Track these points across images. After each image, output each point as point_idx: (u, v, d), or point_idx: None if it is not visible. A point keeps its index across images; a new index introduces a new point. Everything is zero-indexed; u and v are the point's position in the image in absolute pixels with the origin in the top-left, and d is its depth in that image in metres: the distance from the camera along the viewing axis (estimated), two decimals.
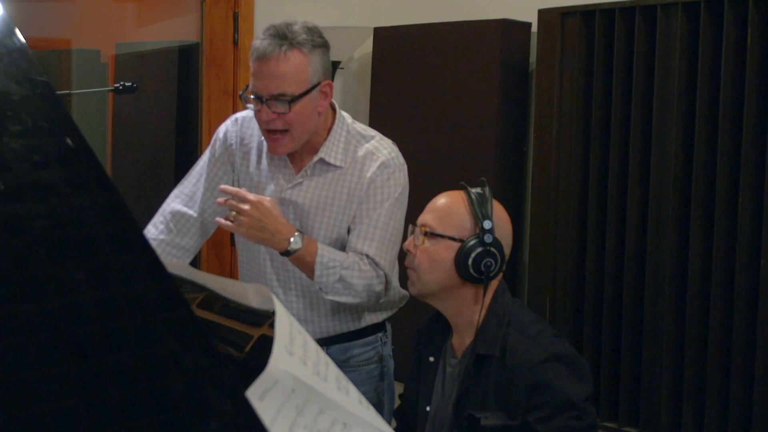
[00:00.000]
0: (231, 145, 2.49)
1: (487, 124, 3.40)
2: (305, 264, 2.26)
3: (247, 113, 2.50)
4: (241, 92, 2.36)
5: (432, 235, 2.10)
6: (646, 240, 2.99)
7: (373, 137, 2.44)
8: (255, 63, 2.27)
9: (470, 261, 2.05)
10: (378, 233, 2.35)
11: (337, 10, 4.07)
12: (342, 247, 2.39)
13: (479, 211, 2.07)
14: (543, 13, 3.26)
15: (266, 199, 2.24)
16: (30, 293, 0.72)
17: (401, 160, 2.44)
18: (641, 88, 2.99)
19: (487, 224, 2.06)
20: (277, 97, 2.25)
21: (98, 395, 0.71)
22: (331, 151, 2.38)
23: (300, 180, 2.39)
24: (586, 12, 3.14)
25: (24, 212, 0.74)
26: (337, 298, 2.34)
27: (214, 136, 2.55)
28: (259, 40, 2.27)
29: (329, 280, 2.28)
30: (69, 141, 0.78)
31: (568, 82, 3.19)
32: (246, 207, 2.20)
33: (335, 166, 2.38)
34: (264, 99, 2.26)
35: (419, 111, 3.60)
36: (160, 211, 2.54)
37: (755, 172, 2.72)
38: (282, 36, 2.24)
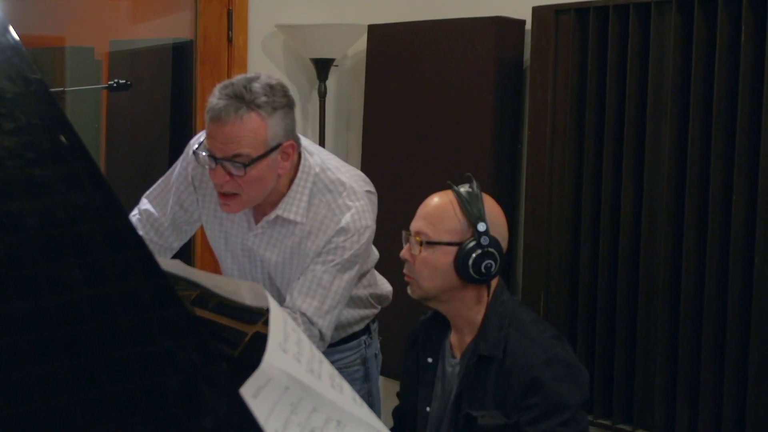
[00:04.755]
0: (197, 168, 2.36)
1: (481, 121, 3.40)
2: None
3: None
4: (195, 147, 2.20)
5: (428, 243, 2.10)
6: (640, 237, 2.99)
7: (340, 192, 2.27)
8: (210, 123, 2.12)
9: (470, 264, 2.05)
10: (320, 291, 2.22)
11: (331, 7, 4.07)
12: None
13: (472, 213, 2.07)
14: (537, 11, 3.26)
15: None
16: (24, 291, 0.72)
17: (365, 221, 2.26)
18: (635, 85, 2.99)
19: (481, 226, 2.05)
20: (232, 159, 2.12)
21: (92, 392, 0.71)
22: (291, 207, 2.25)
23: (260, 231, 2.30)
24: (580, 9, 3.14)
25: (18, 210, 0.74)
26: None
27: (186, 149, 2.43)
28: (216, 99, 2.12)
29: None
30: (63, 138, 0.78)
31: (562, 80, 3.19)
32: None
33: (295, 222, 2.26)
34: (218, 159, 2.13)
35: (413, 108, 3.60)
36: (136, 208, 2.48)
37: (749, 169, 2.73)
38: (239, 97, 2.10)
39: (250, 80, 2.15)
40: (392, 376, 3.47)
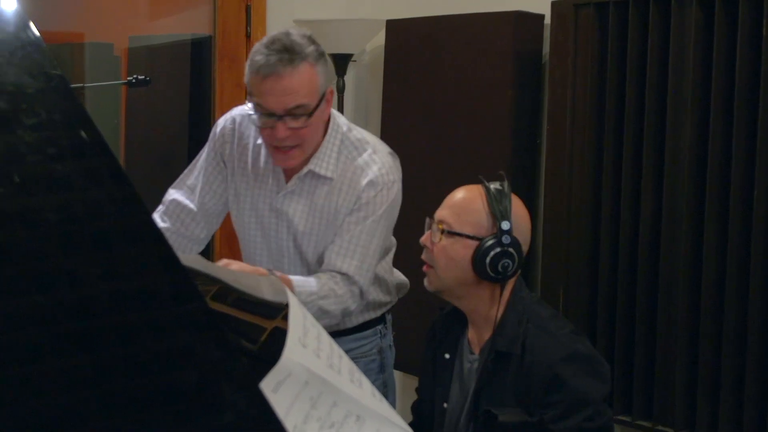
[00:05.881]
0: (226, 143, 2.44)
1: (500, 117, 3.39)
2: None
3: (244, 110, 2.44)
4: (251, 112, 2.24)
5: (449, 233, 2.09)
6: (660, 233, 2.98)
7: (366, 149, 2.35)
8: (265, 80, 2.17)
9: (488, 261, 2.04)
10: (359, 250, 2.28)
11: (349, 2, 4.07)
12: None
13: (498, 210, 2.05)
14: (556, 5, 3.25)
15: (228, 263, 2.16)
16: (44, 286, 0.72)
17: (392, 176, 2.34)
18: (655, 80, 2.97)
19: (505, 225, 2.04)
20: (294, 111, 2.18)
21: (111, 387, 0.71)
22: (322, 162, 2.31)
23: (291, 189, 2.34)
24: (600, 4, 3.12)
25: (38, 205, 0.74)
26: None
27: (213, 131, 2.50)
28: (264, 56, 2.16)
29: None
30: (83, 134, 0.78)
31: (581, 74, 3.18)
32: None
33: (325, 177, 2.31)
34: (279, 115, 2.19)
35: (432, 103, 3.59)
36: (163, 200, 2.52)
37: None
38: (290, 50, 2.17)
39: (288, 34, 2.21)
40: (407, 370, 3.47)
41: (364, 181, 2.30)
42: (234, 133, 2.45)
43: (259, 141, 2.38)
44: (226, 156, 2.45)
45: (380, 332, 2.57)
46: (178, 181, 2.54)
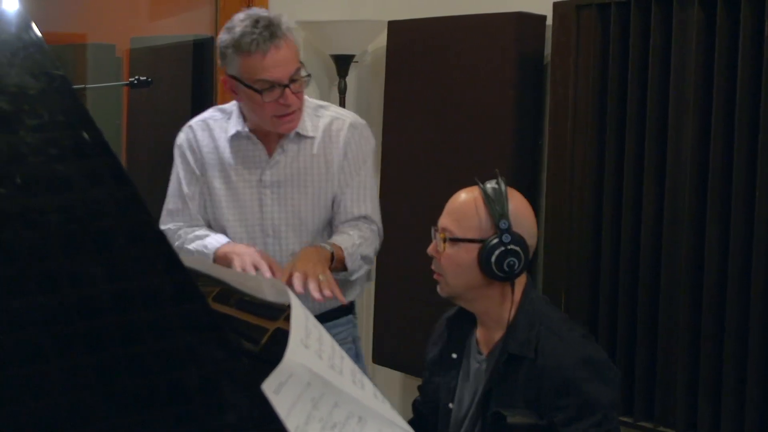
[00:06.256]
0: (193, 152, 2.57)
1: (501, 117, 3.39)
2: (340, 260, 2.37)
3: (198, 118, 2.60)
4: (259, 90, 2.37)
5: (453, 240, 2.10)
6: (662, 234, 2.97)
7: (329, 106, 2.59)
8: (266, 56, 2.34)
9: (493, 260, 2.04)
10: (369, 192, 2.53)
11: (351, 3, 4.07)
12: (327, 215, 2.50)
13: (495, 210, 2.06)
14: (558, 6, 3.24)
15: (290, 266, 2.26)
16: (46, 286, 0.72)
17: (363, 120, 2.60)
18: (657, 81, 2.97)
19: (503, 224, 2.05)
20: (295, 76, 2.36)
21: (114, 387, 0.71)
22: (303, 123, 2.48)
23: (277, 159, 2.49)
24: (602, 5, 3.12)
25: (40, 205, 0.74)
26: (359, 274, 2.48)
27: (175, 152, 2.62)
28: (256, 35, 2.32)
29: (356, 263, 2.41)
30: (85, 135, 0.79)
31: (583, 75, 3.18)
32: (304, 279, 2.20)
33: (308, 137, 2.49)
34: (285, 84, 2.35)
35: (434, 104, 3.59)
36: (170, 230, 2.61)
37: None
38: (273, 24, 2.35)
39: (257, 13, 2.39)
40: (407, 370, 3.47)
41: (345, 127, 2.51)
42: (194, 140, 2.57)
43: (232, 132, 2.50)
44: (198, 161, 2.57)
45: (351, 321, 2.67)
46: (164, 209, 2.62)
